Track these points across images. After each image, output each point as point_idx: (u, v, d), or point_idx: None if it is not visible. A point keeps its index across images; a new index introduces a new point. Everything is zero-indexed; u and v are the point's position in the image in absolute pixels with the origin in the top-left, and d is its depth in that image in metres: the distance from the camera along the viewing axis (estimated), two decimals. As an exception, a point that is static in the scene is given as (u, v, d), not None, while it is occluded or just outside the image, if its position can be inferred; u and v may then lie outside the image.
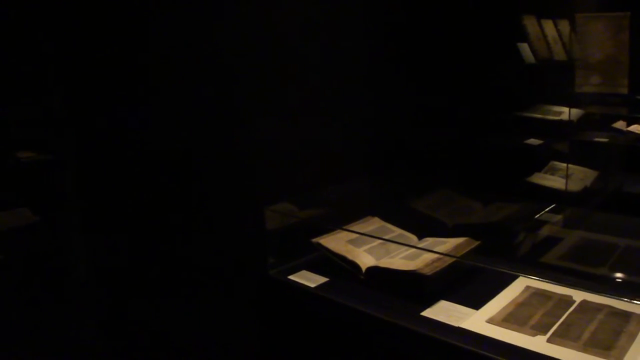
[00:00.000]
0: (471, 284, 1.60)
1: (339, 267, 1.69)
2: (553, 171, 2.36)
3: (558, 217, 2.04)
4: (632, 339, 1.33)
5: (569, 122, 2.31)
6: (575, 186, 2.26)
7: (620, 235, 1.79)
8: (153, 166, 1.57)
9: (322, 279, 1.71)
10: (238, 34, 1.64)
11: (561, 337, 1.36)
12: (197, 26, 1.58)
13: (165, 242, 1.61)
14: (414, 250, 1.68)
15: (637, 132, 2.53)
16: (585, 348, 1.32)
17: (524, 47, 2.28)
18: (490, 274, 1.67)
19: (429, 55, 2.14)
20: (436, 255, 1.59)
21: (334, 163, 1.93)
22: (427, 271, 1.52)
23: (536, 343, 1.35)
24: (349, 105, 1.96)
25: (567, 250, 1.73)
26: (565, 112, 2.34)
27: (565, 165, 2.39)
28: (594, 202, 2.25)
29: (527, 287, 1.58)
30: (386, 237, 1.78)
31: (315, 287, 1.68)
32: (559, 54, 2.42)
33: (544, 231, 1.84)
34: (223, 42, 1.62)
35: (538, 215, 2.05)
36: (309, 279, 1.71)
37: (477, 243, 1.64)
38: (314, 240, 1.75)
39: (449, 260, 1.57)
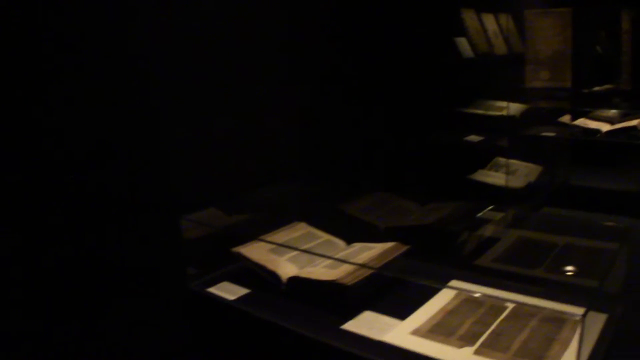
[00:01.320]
0: (400, 291, 1.45)
1: (261, 278, 1.51)
2: (497, 168, 2.21)
3: (498, 216, 1.89)
4: (564, 347, 1.18)
5: (511, 117, 2.15)
6: (519, 182, 2.11)
7: (561, 232, 1.63)
8: (55, 169, 1.37)
9: (243, 291, 1.55)
10: (153, 30, 1.48)
11: (489, 348, 1.20)
12: (110, 23, 1.40)
13: (68, 255, 1.41)
14: (341, 255, 1.51)
15: (583, 125, 2.39)
16: (515, 359, 1.15)
17: (462, 42, 2.12)
18: (423, 277, 1.51)
19: (362, 50, 1.97)
20: (361, 262, 1.42)
21: (260, 166, 1.77)
22: (348, 281, 1.35)
23: (462, 355, 1.19)
24: (276, 105, 1.80)
25: (503, 251, 1.57)
26: (509, 107, 2.19)
27: (510, 161, 2.24)
28: (538, 198, 2.10)
29: (459, 293, 1.41)
30: (312, 243, 1.61)
31: (235, 300, 1.51)
32: (500, 48, 2.27)
33: (482, 232, 1.67)
34: (138, 40, 1.46)
35: (479, 214, 1.89)
36: (229, 291, 1.54)
37: (405, 248, 1.48)
38: (234, 249, 1.57)
39: (374, 267, 1.40)
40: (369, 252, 1.50)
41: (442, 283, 1.44)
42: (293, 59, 1.83)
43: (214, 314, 1.58)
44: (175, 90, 1.60)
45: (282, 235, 1.66)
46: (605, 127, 2.37)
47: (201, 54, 1.64)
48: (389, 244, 1.52)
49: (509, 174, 2.21)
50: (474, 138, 2.11)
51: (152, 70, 1.51)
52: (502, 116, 2.14)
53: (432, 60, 2.03)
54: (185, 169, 1.63)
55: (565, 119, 2.53)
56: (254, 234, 1.67)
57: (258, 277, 1.56)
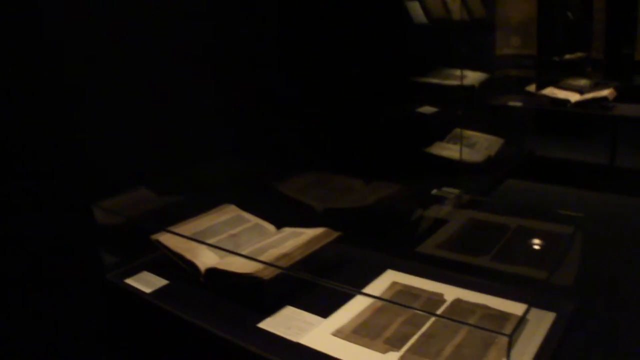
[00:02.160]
0: (333, 280, 1.23)
1: (181, 268, 1.31)
2: (456, 140, 2.00)
3: (453, 194, 1.68)
4: (502, 353, 0.97)
5: (470, 87, 1.94)
6: (478, 156, 1.90)
7: (516, 213, 1.42)
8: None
9: (161, 282, 1.36)
10: (68, 11, 1.31)
11: (417, 354, 1.01)
12: (21, 5, 1.19)
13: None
14: (265, 243, 1.31)
15: (551, 95, 2.17)
16: None
17: (415, 6, 1.89)
18: (354, 268, 1.31)
19: (304, 17, 1.74)
20: (283, 251, 1.22)
21: (187, 146, 1.54)
22: (266, 275, 1.14)
23: None
24: (203, 79, 1.57)
25: (449, 236, 1.37)
26: (468, 76, 1.97)
27: (470, 133, 2.03)
28: (498, 171, 1.89)
29: (394, 284, 1.22)
30: (239, 228, 1.41)
31: (151, 293, 1.31)
32: (457, 13, 2.03)
33: (429, 213, 1.46)
34: (52, 21, 1.29)
35: (433, 192, 1.68)
36: (147, 283, 1.36)
37: (336, 234, 1.28)
38: (153, 237, 1.36)
39: (298, 257, 1.20)
40: (295, 239, 1.30)
41: (371, 275, 1.24)
42: (222, 28, 1.61)
43: (129, 307, 1.38)
44: (94, 70, 1.39)
45: (208, 220, 1.46)
46: (574, 97, 2.16)
47: (122, 33, 1.42)
48: (319, 230, 1.32)
49: (469, 146, 2.01)
50: (427, 109, 1.89)
51: (67, 50, 1.34)
52: (459, 86, 1.92)
53: (382, 27, 1.80)
54: (106, 150, 1.43)
55: (533, 88, 2.32)
56: (178, 218, 1.46)
57: (178, 266, 1.35)
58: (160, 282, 1.37)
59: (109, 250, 1.46)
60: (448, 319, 1.03)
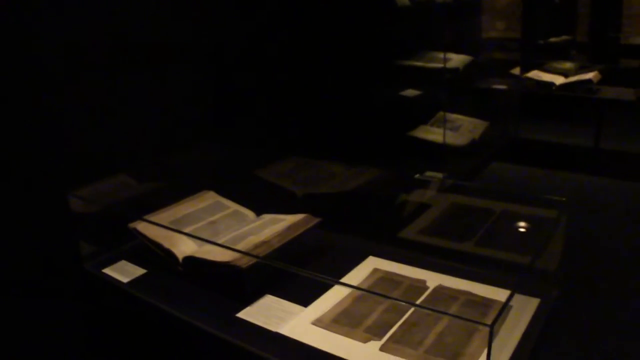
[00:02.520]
0: (311, 268, 1.20)
1: (159, 257, 1.27)
2: (440, 123, 1.95)
3: (437, 177, 1.64)
4: (485, 342, 0.93)
5: (454, 70, 1.89)
6: (462, 139, 1.86)
7: (499, 198, 1.39)
8: None
9: (139, 272, 1.32)
10: None
11: (399, 343, 0.98)
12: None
13: None
14: (244, 230, 1.27)
15: (536, 78, 2.13)
16: (427, 357, 0.92)
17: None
18: (335, 254, 1.27)
19: (287, 1, 1.68)
20: (262, 239, 1.18)
21: (166, 133, 1.49)
22: (244, 263, 1.10)
23: (366, 352, 0.96)
24: (181, 65, 1.51)
25: (432, 221, 1.34)
26: (453, 59, 1.92)
27: (454, 116, 1.99)
28: (483, 154, 1.86)
29: (375, 271, 1.18)
30: (218, 215, 1.37)
31: (129, 282, 1.27)
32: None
33: (412, 197, 1.42)
34: (22, 5, 1.21)
35: (416, 176, 1.64)
36: (125, 272, 1.32)
37: (316, 221, 1.24)
38: (131, 225, 1.31)
39: (277, 244, 1.16)
40: (274, 226, 1.26)
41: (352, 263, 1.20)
42: (200, 14, 1.55)
43: (106, 297, 1.34)
44: (70, 56, 1.33)
45: (187, 207, 1.41)
46: (559, 80, 2.13)
47: (98, 17, 1.36)
48: (299, 217, 1.28)
49: (453, 129, 1.97)
50: (411, 93, 1.85)
51: (41, 34, 1.26)
52: (443, 68, 1.88)
53: (364, 10, 1.75)
54: (83, 138, 1.37)
55: (518, 71, 2.28)
56: (157, 206, 1.41)
57: (157, 255, 1.31)
58: (138, 271, 1.32)
59: (88, 240, 1.41)
60: (428, 309, 0.99)
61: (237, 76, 1.64)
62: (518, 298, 1.07)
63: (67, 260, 1.37)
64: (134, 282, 1.29)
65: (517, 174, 1.86)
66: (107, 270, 1.34)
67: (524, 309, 1.04)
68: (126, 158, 1.49)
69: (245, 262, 1.15)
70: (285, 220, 1.29)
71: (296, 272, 1.11)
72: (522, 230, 1.23)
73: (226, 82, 1.63)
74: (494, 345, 0.95)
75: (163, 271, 1.30)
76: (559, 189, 1.69)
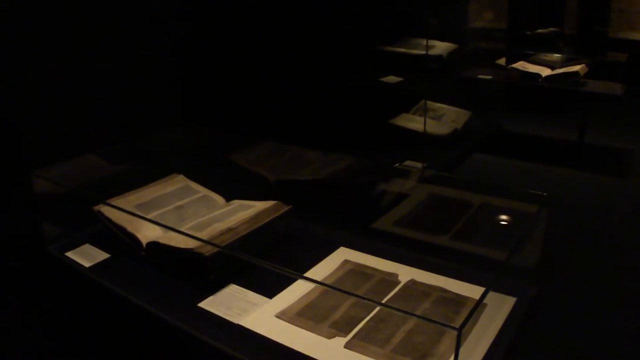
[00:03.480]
0: (279, 258, 1.12)
1: (123, 241, 1.18)
2: (423, 112, 1.88)
3: (414, 168, 1.57)
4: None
5: (437, 57, 1.81)
6: (444, 129, 1.79)
7: (479, 190, 1.31)
8: None
9: (102, 256, 1.24)
10: None
11: (365, 340, 0.91)
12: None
13: None
14: (212, 216, 1.19)
15: (522, 69, 2.06)
16: (393, 356, 0.85)
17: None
18: (305, 244, 1.19)
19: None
20: (229, 226, 1.10)
21: (138, 113, 1.40)
22: (208, 250, 1.02)
23: (329, 349, 0.88)
24: (155, 43, 1.42)
25: (408, 212, 1.26)
26: (437, 47, 1.84)
27: (437, 105, 1.91)
28: (464, 145, 1.78)
29: (345, 263, 1.11)
30: (186, 200, 1.29)
31: (91, 267, 1.19)
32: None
33: (388, 187, 1.35)
34: None
35: (396, 165, 1.57)
36: (88, 256, 1.24)
37: (286, 208, 1.17)
38: (96, 207, 1.23)
39: (243, 232, 1.08)
40: (242, 213, 1.18)
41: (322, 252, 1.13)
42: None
43: (67, 281, 1.26)
44: (37, 32, 1.23)
45: (155, 190, 1.33)
46: (545, 72, 2.05)
47: None
48: (269, 203, 1.20)
49: (435, 118, 1.89)
50: (392, 79, 1.77)
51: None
52: (426, 55, 1.80)
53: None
54: (49, 118, 1.28)
55: (503, 61, 2.20)
56: (125, 188, 1.33)
57: (121, 239, 1.22)
58: (101, 255, 1.25)
59: (54, 222, 1.33)
60: (393, 308, 0.92)
61: (212, 57, 1.55)
62: (493, 296, 1.00)
63: (29, 241, 1.28)
64: (96, 267, 1.22)
65: (500, 166, 1.79)
66: (70, 254, 1.26)
67: (499, 308, 0.97)
68: (95, 139, 1.40)
69: (209, 249, 1.07)
70: (254, 207, 1.22)
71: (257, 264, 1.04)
72: (501, 224, 1.16)
73: (200, 63, 1.55)
74: (464, 346, 0.88)
75: (127, 256, 1.22)
76: (541, 183, 1.62)
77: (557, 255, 1.11)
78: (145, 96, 1.47)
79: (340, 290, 0.93)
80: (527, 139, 1.92)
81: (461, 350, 0.89)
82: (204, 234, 1.13)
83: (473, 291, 1.00)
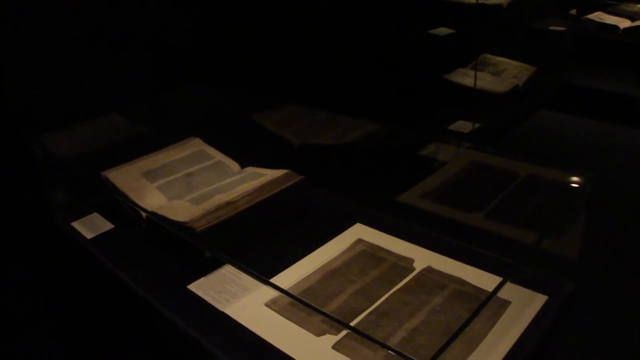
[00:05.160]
0: (288, 232, 0.99)
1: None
2: (480, 66, 1.65)
3: (463, 129, 1.36)
4: (470, 344, 0.69)
5: (497, 7, 1.56)
6: (503, 85, 1.55)
7: (529, 155, 1.10)
8: None
9: (107, 227, 1.14)
10: None
11: (358, 341, 0.74)
12: None
13: None
14: (217, 186, 1.06)
15: (598, 20, 1.77)
16: None
17: None
18: (320, 217, 1.04)
19: None
20: (229, 198, 0.96)
21: (156, 73, 1.28)
22: (201, 225, 0.89)
23: (313, 350, 0.73)
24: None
25: (439, 184, 1.08)
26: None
27: (498, 59, 1.68)
28: (525, 103, 1.54)
29: (359, 242, 0.94)
30: (199, 166, 1.16)
31: (92, 239, 1.11)
32: None
33: (423, 153, 1.16)
34: None
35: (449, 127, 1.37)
36: (93, 227, 1.15)
37: (297, 179, 1.01)
38: (103, 173, 1.12)
39: (243, 206, 0.94)
40: (249, 183, 1.03)
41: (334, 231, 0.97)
42: None
43: (68, 252, 1.17)
44: None
45: (167, 155, 1.21)
46: (624, 24, 1.76)
47: None
48: (280, 172, 1.05)
49: (495, 74, 1.65)
50: (442, 31, 1.54)
51: None
52: (478, 3, 1.55)
53: None
54: (63, 78, 1.18)
55: (575, 11, 1.91)
56: (139, 153, 1.21)
57: (125, 209, 1.12)
58: (106, 226, 1.15)
59: (67, 189, 1.24)
60: (362, 334, 0.74)
61: (235, 10, 1.39)
62: (520, 292, 0.81)
63: (35, 210, 1.19)
64: (97, 239, 1.12)
65: (564, 126, 1.54)
66: (76, 224, 1.17)
67: (525, 307, 0.78)
68: (110, 102, 1.29)
69: (203, 223, 0.94)
70: (264, 177, 1.06)
71: (268, 234, 0.90)
72: (545, 203, 0.95)
73: (222, 16, 1.39)
74: (476, 351, 0.70)
75: (129, 228, 1.11)
76: (613, 146, 1.37)
77: (604, 246, 0.89)
78: (165, 53, 1.33)
79: (308, 305, 0.77)
80: (600, 96, 1.65)
81: (474, 353, 0.72)
82: (203, 207, 0.99)
83: (496, 284, 0.80)
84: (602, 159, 1.28)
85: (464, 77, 1.64)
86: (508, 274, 0.79)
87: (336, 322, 0.73)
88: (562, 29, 1.85)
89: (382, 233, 0.99)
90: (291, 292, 0.88)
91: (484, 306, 0.64)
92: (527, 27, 1.84)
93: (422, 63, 1.52)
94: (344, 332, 0.78)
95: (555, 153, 1.35)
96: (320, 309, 0.82)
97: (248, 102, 1.36)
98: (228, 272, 0.95)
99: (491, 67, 1.69)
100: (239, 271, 0.94)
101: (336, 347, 0.76)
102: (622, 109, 1.58)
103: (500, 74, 1.66)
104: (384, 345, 0.66)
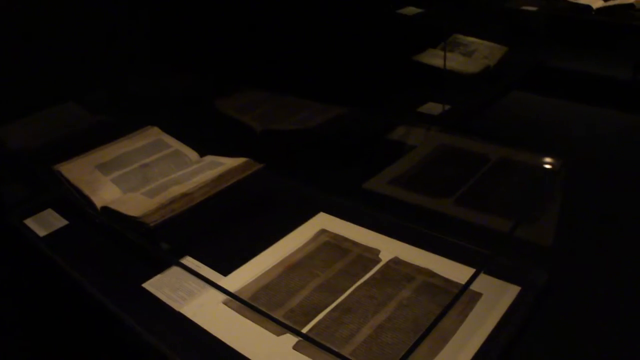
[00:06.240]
0: (248, 224, 0.93)
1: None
2: (453, 47, 1.59)
3: (433, 111, 1.30)
4: (440, 341, 0.64)
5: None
6: (474, 66, 1.50)
7: (501, 137, 1.05)
8: None
9: (61, 223, 1.07)
10: None
11: (320, 337, 0.68)
12: None
13: None
14: (173, 177, 0.99)
15: (571, 0, 1.71)
16: None
17: None
18: (281, 207, 0.98)
19: None
20: (185, 190, 0.89)
21: (109, 56, 1.19)
22: (154, 219, 0.82)
23: (273, 351, 0.67)
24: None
25: (407, 169, 1.01)
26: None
27: (469, 39, 1.62)
28: (497, 84, 1.49)
29: (322, 232, 0.88)
30: (156, 155, 1.09)
31: (45, 237, 1.04)
32: None
33: (393, 137, 1.10)
34: None
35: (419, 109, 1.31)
36: (47, 224, 1.07)
37: (257, 167, 0.94)
38: (56, 166, 1.04)
39: (200, 198, 0.87)
40: (207, 173, 0.96)
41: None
42: None
43: (21, 251, 1.09)
44: None
45: (122, 146, 1.14)
46: (597, 3, 1.71)
47: None
48: (239, 161, 0.99)
49: (465, 54, 1.60)
50: (410, 10, 1.48)
51: None
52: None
53: None
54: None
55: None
56: (94, 144, 1.14)
57: (80, 203, 1.04)
58: (60, 223, 1.08)
59: (21, 185, 1.16)
60: (314, 342, 0.68)
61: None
62: (492, 283, 0.76)
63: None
64: (50, 237, 1.05)
65: (536, 108, 1.49)
66: (29, 221, 1.09)
67: (498, 298, 0.73)
68: (68, 90, 1.21)
69: (155, 219, 0.87)
70: (223, 166, 1.00)
71: (226, 226, 0.83)
72: (517, 188, 0.90)
73: (181, 2, 1.31)
74: (448, 346, 0.65)
75: (85, 224, 1.03)
76: (586, 127, 1.33)
77: (578, 233, 0.84)
78: (120, 41, 1.25)
79: (258, 310, 0.71)
80: (573, 76, 1.60)
81: (444, 350, 0.67)
82: (157, 200, 0.92)
83: (467, 275, 0.75)
84: (576, 141, 1.23)
85: (434, 58, 1.58)
86: (479, 264, 0.73)
87: (288, 329, 0.67)
88: (535, 8, 1.79)
89: (346, 222, 0.93)
90: (251, 287, 0.82)
91: (456, 302, 0.59)
92: (498, 6, 1.78)
93: (390, 44, 1.46)
94: (308, 328, 0.72)
95: (527, 135, 1.30)
96: (281, 305, 0.77)
97: (209, 88, 1.29)
98: (185, 266, 0.88)
99: (462, 48, 1.63)
100: (196, 266, 0.88)
101: (297, 347, 0.70)
102: (595, 89, 1.54)
103: (471, 55, 1.60)
104: (339, 355, 0.61)
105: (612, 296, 0.74)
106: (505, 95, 1.58)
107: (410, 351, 0.57)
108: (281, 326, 0.69)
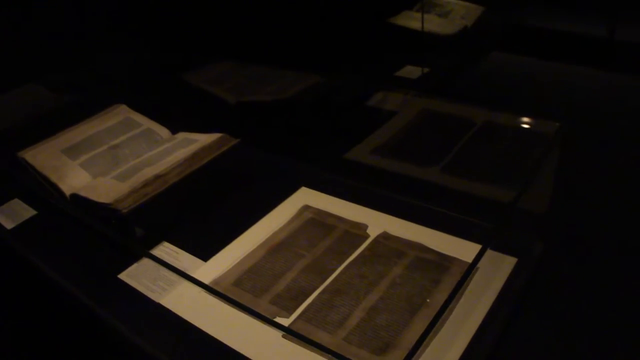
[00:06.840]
0: (227, 202, 0.87)
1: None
2: (429, 8, 1.52)
3: (412, 74, 1.25)
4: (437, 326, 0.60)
5: None
6: (451, 27, 1.44)
7: (484, 99, 1.00)
8: None
9: (29, 213, 1.01)
10: None
11: (311, 323, 0.64)
12: None
13: None
14: (145, 158, 0.92)
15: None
16: (345, 346, 0.60)
17: None
18: (261, 183, 0.92)
19: None
20: (158, 172, 0.83)
21: (72, 33, 1.11)
22: (125, 206, 0.76)
23: (264, 339, 0.61)
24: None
25: (390, 137, 0.96)
26: None
27: (446, 0, 1.55)
28: (475, 45, 1.44)
29: (305, 208, 0.83)
30: (127, 135, 1.03)
31: (13, 229, 0.97)
32: None
33: (373, 103, 1.04)
34: None
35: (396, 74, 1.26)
36: (14, 215, 1.02)
37: (232, 142, 0.88)
38: (20, 153, 0.97)
39: (174, 179, 0.81)
40: (180, 152, 0.90)
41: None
42: None
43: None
44: None
45: (90, 127, 1.07)
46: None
47: None
48: (213, 137, 0.93)
49: (441, 15, 1.54)
50: None
51: None
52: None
53: None
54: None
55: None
56: (61, 126, 1.07)
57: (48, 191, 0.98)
58: (27, 213, 1.01)
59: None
60: (307, 341, 0.64)
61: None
62: (488, 256, 0.71)
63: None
64: (18, 229, 0.98)
65: (516, 69, 1.44)
66: (-6, 213, 1.02)
67: (496, 271, 0.69)
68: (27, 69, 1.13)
69: (128, 204, 0.81)
70: (196, 143, 0.93)
71: (202, 208, 0.77)
72: (506, 154, 0.86)
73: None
74: (450, 319, 0.61)
75: (53, 213, 0.97)
76: (569, 87, 1.28)
77: (573, 200, 0.80)
78: (83, 16, 1.17)
79: (237, 303, 0.66)
80: (552, 35, 1.55)
81: (448, 324, 0.63)
82: (129, 184, 0.86)
83: (461, 248, 0.71)
84: (560, 101, 1.19)
85: (410, 20, 1.53)
86: (476, 236, 0.69)
87: (272, 324, 0.62)
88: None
89: (330, 197, 0.88)
90: (234, 272, 0.77)
91: (462, 284, 0.54)
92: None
93: (364, 6, 1.39)
94: (297, 313, 0.68)
95: (510, 96, 1.25)
96: (267, 290, 0.72)
97: (176, 61, 1.22)
98: (163, 254, 0.83)
99: (438, 9, 1.57)
100: (174, 252, 0.82)
101: (287, 335, 0.65)
102: (575, 48, 1.49)
103: (447, 15, 1.54)
104: (329, 351, 0.56)
105: (609, 263, 0.70)
106: (485, 56, 1.52)
107: (417, 347, 0.53)
108: (265, 322, 0.63)
